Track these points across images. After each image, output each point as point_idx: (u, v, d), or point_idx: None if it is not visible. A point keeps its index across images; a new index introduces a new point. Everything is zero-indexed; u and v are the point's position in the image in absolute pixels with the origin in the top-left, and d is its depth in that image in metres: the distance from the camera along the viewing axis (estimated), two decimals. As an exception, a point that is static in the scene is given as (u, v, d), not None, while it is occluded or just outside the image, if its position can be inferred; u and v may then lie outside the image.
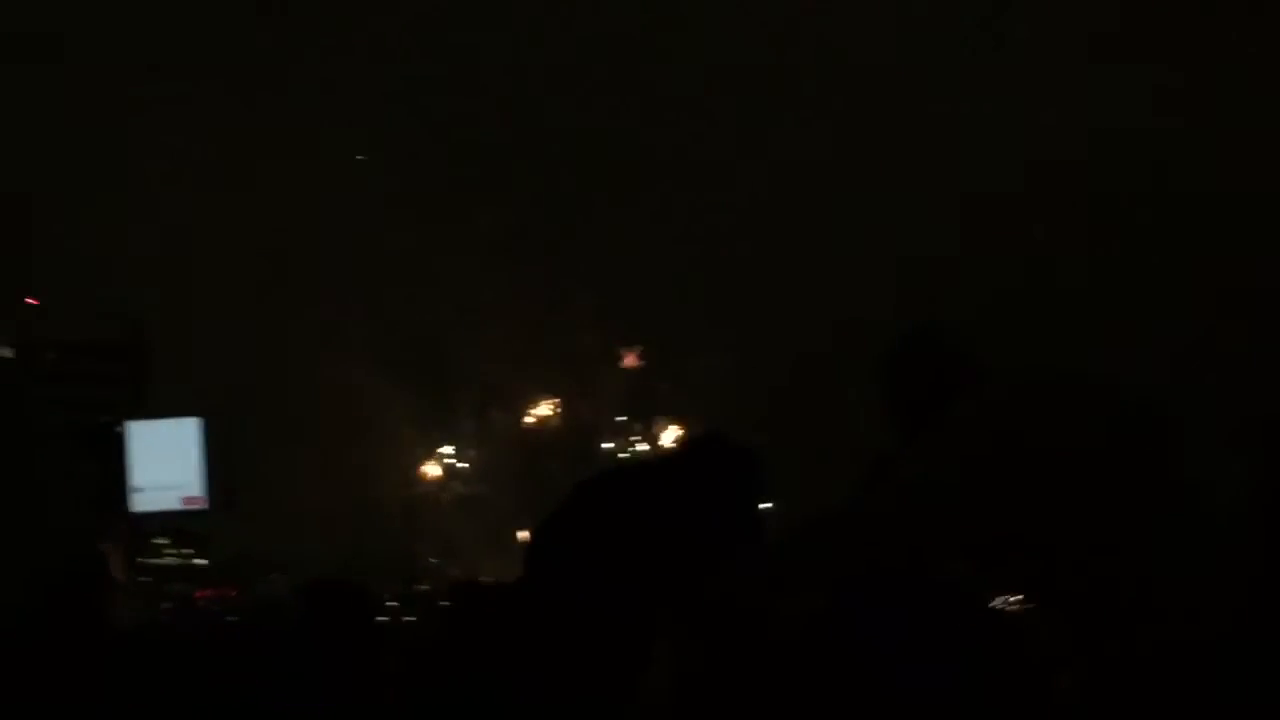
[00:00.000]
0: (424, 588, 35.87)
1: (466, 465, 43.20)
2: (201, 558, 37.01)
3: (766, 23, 40.11)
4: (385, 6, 41.40)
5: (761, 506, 1.98)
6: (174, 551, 36.97)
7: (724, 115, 40.52)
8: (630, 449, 43.72)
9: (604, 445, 43.57)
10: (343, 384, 39.20)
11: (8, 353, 43.00)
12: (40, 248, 39.58)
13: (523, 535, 42.79)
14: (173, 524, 29.39)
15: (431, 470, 42.79)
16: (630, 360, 43.61)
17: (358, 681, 3.64)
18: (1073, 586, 2.29)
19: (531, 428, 43.37)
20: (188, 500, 19.38)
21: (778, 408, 36.58)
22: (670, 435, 42.93)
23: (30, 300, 40.65)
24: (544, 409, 43.36)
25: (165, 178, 38.01)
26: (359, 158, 39.49)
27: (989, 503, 2.34)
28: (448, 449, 43.03)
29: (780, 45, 39.94)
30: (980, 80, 36.88)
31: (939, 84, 38.04)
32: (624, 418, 44.15)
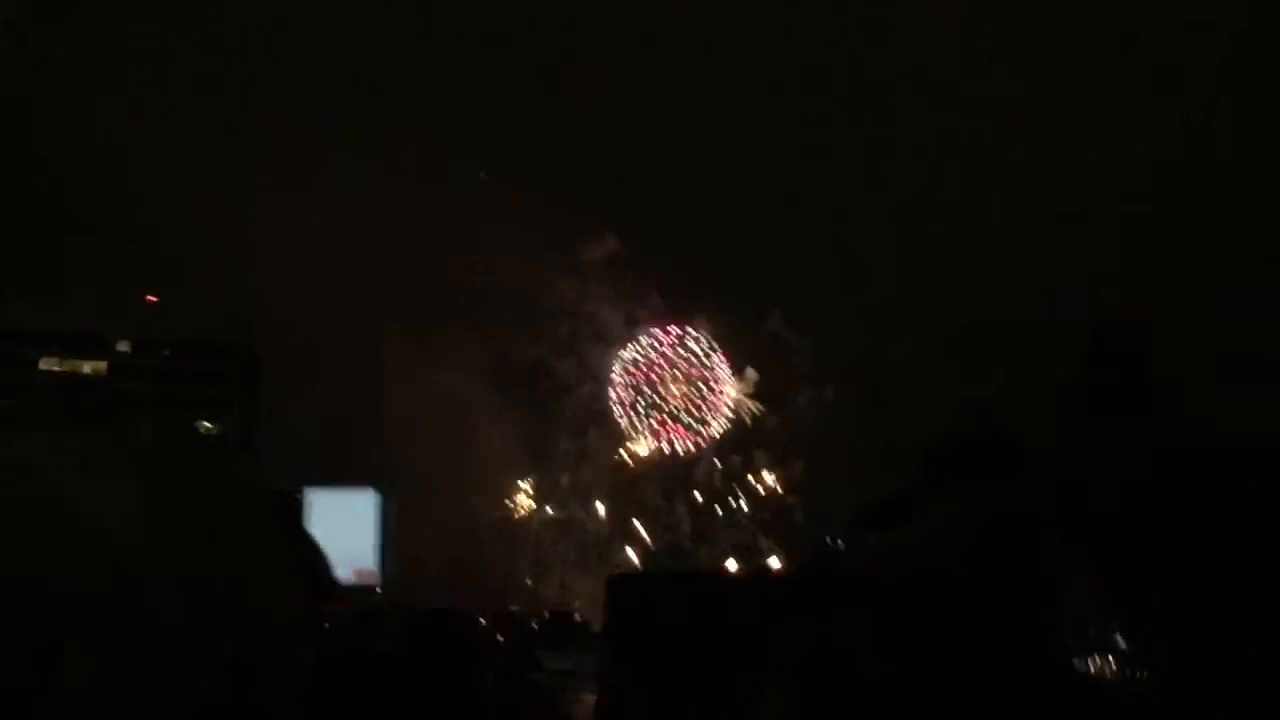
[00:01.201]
0: (515, 608, 36.01)
1: (563, 485, 43.26)
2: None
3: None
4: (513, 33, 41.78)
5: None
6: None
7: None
8: (730, 480, 43.54)
9: (699, 474, 43.43)
10: (450, 401, 39.48)
11: (125, 347, 43.99)
12: (164, 245, 40.32)
13: (622, 557, 42.85)
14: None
15: (523, 499, 42.90)
16: (735, 391, 43.44)
17: (461, 706, 3.78)
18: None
19: (629, 452, 43.33)
20: (360, 573, 19.64)
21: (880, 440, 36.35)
22: (768, 472, 42.68)
23: (150, 297, 41.45)
24: (644, 443, 43.26)
25: (292, 187, 38.58)
26: (482, 175, 39.79)
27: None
28: (527, 483, 43.08)
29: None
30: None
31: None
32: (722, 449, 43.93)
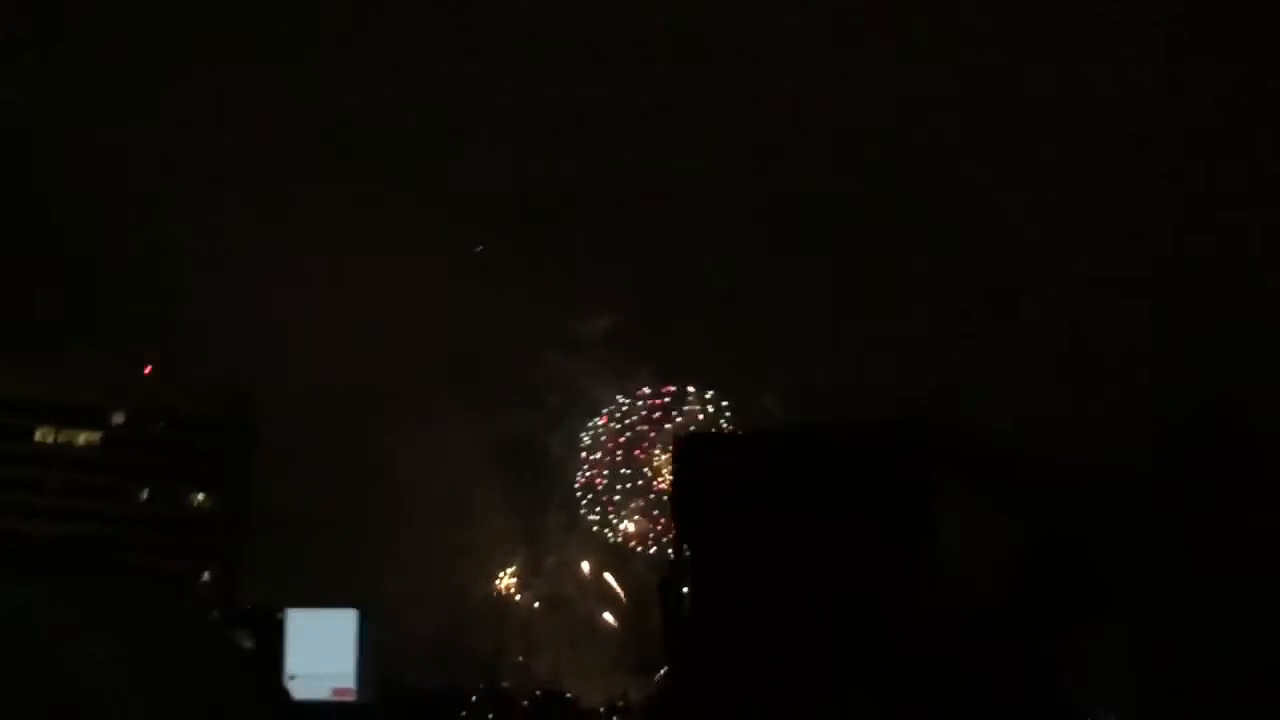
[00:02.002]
0: (505, 685, 35.78)
1: (551, 562, 43.13)
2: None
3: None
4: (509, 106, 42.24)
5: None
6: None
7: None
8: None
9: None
10: (439, 478, 39.45)
11: (120, 419, 43.84)
12: (160, 318, 40.44)
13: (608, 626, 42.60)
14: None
15: (512, 576, 42.75)
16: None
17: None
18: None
19: (620, 531, 43.25)
20: (339, 691, 19.70)
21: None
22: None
23: (146, 370, 41.45)
24: (634, 521, 43.19)
25: (287, 262, 38.79)
26: (478, 249, 39.99)
27: None
28: (516, 561, 42.92)
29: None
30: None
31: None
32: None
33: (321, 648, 21.05)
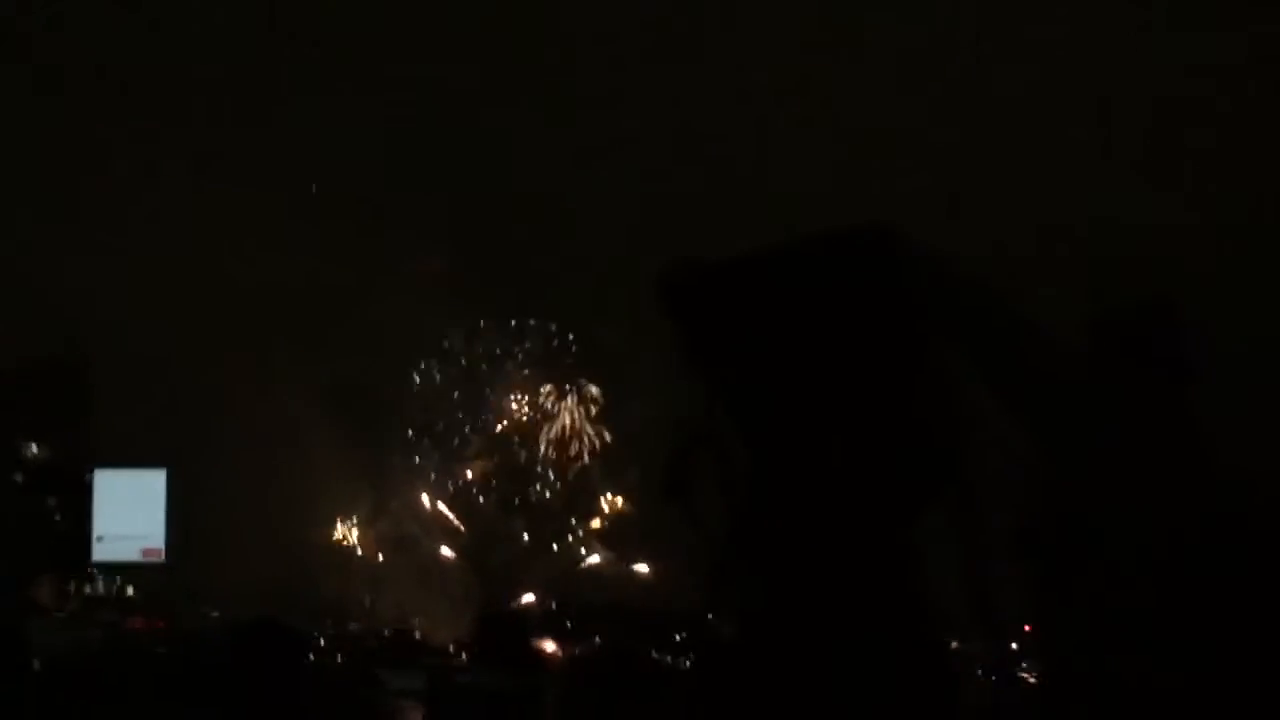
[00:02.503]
0: (354, 627, 35.58)
1: (396, 505, 42.97)
2: (131, 586, 36.56)
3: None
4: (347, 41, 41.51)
5: None
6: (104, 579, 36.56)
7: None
8: (567, 501, 43.68)
9: (536, 490, 43.48)
10: (276, 422, 38.90)
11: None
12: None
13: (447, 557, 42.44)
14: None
15: (357, 519, 42.52)
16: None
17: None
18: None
19: (466, 468, 43.21)
20: (147, 552, 19.13)
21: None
22: (608, 491, 42.89)
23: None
24: (479, 461, 43.17)
25: (111, 198, 37.69)
26: (314, 189, 39.30)
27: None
28: (361, 503, 42.68)
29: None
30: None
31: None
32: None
33: (129, 509, 20.54)
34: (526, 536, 42.49)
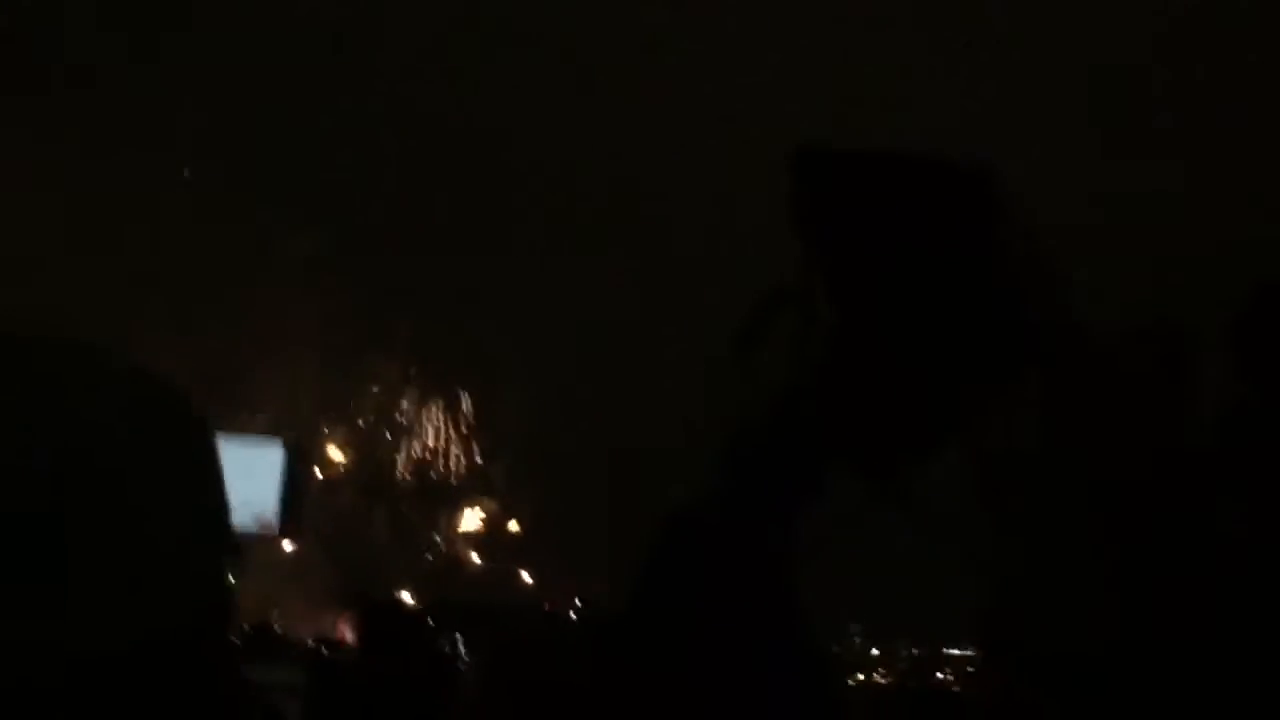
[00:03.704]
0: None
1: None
2: None
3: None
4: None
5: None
6: None
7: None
8: (430, 487, 43.18)
9: (401, 481, 42.94)
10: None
11: None
12: None
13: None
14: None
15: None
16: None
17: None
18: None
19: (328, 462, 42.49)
20: (263, 524, 18.99)
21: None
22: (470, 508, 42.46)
23: None
24: (338, 449, 42.47)
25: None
26: (186, 173, 38.30)
27: None
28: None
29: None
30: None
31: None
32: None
33: (246, 479, 20.29)
34: (388, 533, 41.89)
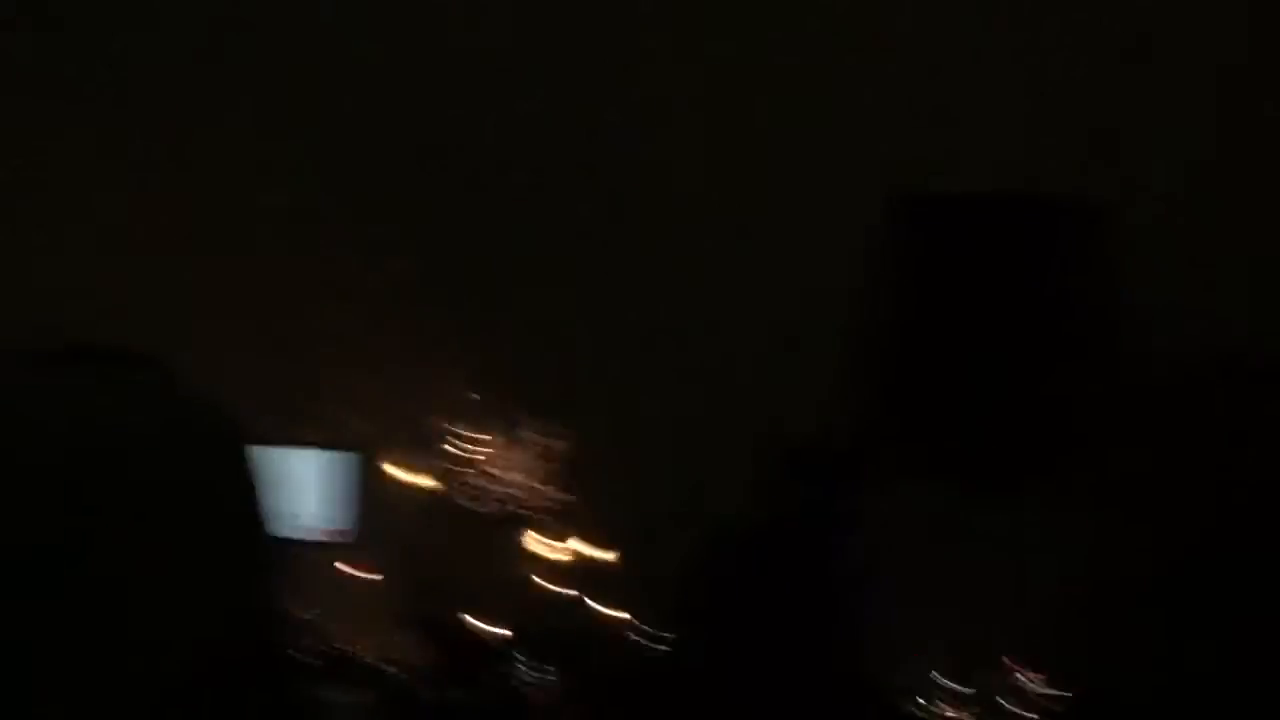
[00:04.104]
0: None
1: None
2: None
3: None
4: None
5: None
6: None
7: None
8: (508, 512, 43.40)
9: (482, 510, 43.15)
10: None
11: None
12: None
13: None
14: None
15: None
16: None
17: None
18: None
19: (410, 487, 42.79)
20: (334, 532, 19.45)
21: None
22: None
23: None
24: (413, 470, 42.75)
25: (74, 203, 36.97)
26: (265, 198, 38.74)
27: None
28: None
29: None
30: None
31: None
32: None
33: (318, 487, 20.66)
34: (456, 548, 42.04)
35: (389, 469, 37.87)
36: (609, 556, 42.18)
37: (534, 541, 42.65)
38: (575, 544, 42.49)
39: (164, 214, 36.33)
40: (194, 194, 36.51)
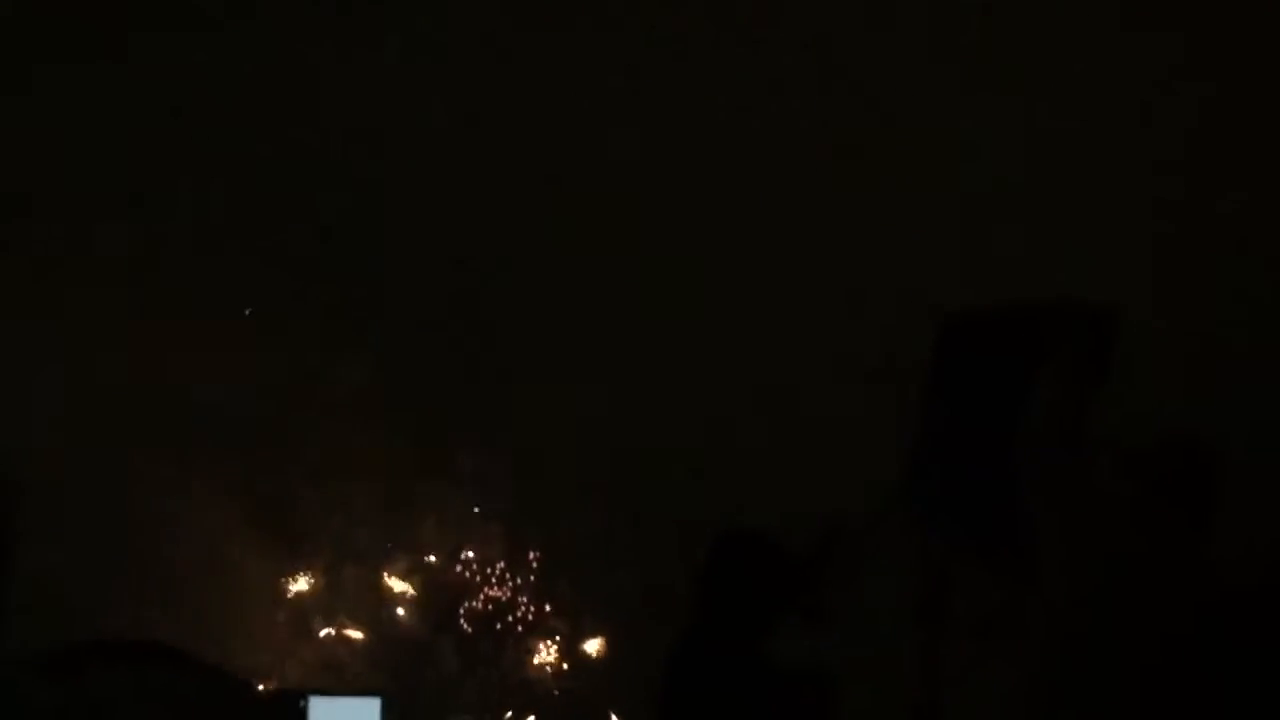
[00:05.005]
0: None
1: (321, 631, 41.93)
2: None
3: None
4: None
5: None
6: None
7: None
8: (499, 615, 42.92)
9: (466, 606, 42.68)
10: (198, 547, 37.87)
11: None
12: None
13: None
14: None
15: (276, 652, 41.43)
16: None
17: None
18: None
19: (388, 587, 42.32)
20: None
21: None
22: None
23: None
24: (402, 574, 42.28)
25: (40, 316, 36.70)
26: (247, 312, 38.63)
27: None
28: (278, 639, 41.69)
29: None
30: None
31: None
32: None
33: None
34: (456, 658, 41.61)
35: (380, 590, 37.29)
36: (593, 654, 41.78)
37: (529, 643, 42.23)
38: (568, 644, 42.07)
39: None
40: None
